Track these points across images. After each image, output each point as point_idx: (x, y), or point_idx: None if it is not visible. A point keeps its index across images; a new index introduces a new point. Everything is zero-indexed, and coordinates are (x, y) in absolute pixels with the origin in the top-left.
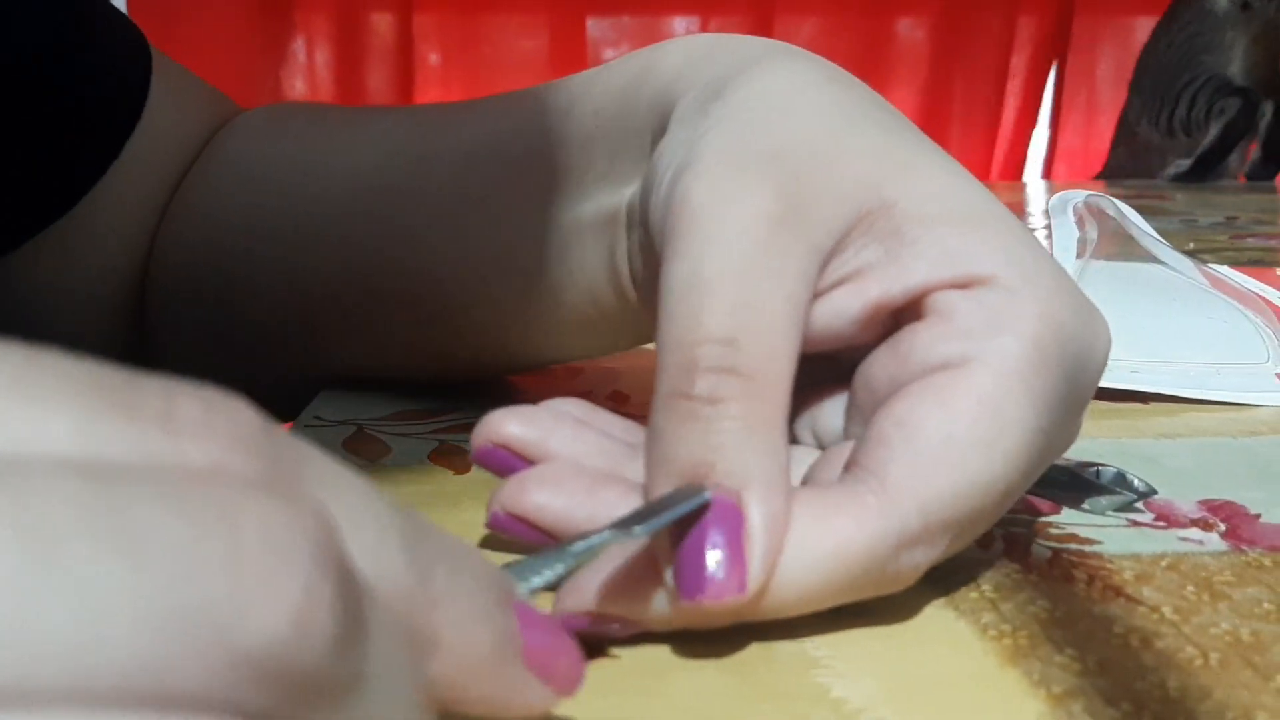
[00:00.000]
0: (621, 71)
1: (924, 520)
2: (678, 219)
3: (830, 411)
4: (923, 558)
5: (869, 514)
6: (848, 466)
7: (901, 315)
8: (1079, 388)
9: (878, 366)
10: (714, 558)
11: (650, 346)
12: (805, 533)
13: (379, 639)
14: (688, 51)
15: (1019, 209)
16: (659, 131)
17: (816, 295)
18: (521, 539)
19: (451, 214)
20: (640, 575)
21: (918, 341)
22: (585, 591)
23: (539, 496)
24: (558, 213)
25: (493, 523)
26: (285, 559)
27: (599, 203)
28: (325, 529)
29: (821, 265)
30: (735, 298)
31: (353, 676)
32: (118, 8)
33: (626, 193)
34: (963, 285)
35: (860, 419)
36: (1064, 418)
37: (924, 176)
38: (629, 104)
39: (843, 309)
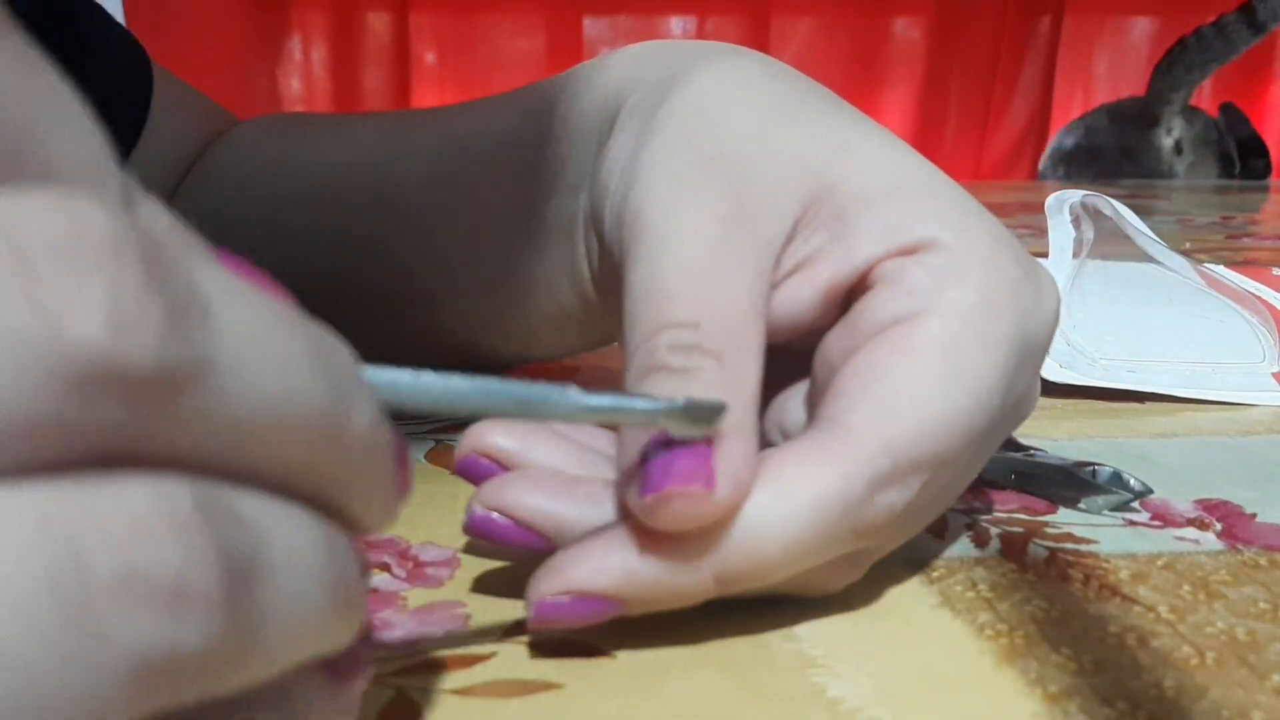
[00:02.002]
0: (577, 77)
1: (892, 459)
2: (632, 232)
3: (795, 407)
4: (897, 498)
5: (837, 458)
6: (812, 422)
7: (854, 294)
8: (1030, 338)
9: (833, 342)
10: (681, 462)
11: None
12: (778, 483)
13: (226, 305)
14: (634, 56)
15: (1014, 210)
16: (605, 136)
17: (773, 287)
18: (499, 539)
19: (418, 213)
20: (615, 551)
21: (867, 307)
22: (561, 572)
23: (518, 492)
24: (519, 214)
25: (471, 523)
26: (80, 260)
27: (559, 206)
28: (111, 210)
29: (776, 258)
30: (696, 294)
31: (200, 350)
32: (121, 24)
33: (582, 197)
34: (907, 252)
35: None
36: (1019, 366)
37: (862, 155)
38: (581, 109)
39: (798, 297)
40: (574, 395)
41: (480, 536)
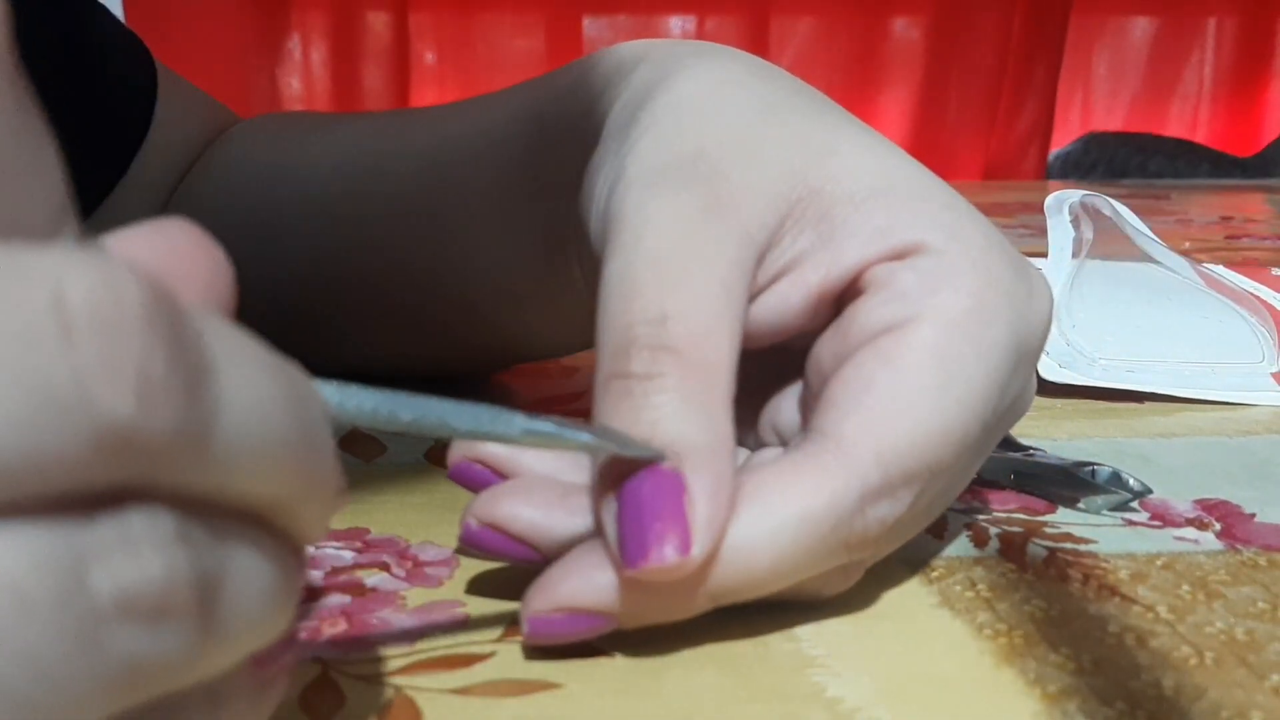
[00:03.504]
0: (564, 79)
1: (883, 472)
2: (611, 229)
3: (789, 407)
4: (888, 511)
5: (828, 472)
6: (804, 433)
7: (844, 297)
8: (1024, 340)
9: (824, 347)
10: (654, 522)
11: None
12: (768, 499)
13: (228, 364)
14: (618, 59)
15: (1012, 211)
16: (593, 141)
17: (760, 291)
18: (493, 551)
19: (415, 212)
20: (606, 567)
21: (858, 313)
22: (552, 589)
23: (511, 505)
24: (513, 216)
25: (465, 536)
26: (116, 331)
27: (552, 209)
28: (145, 287)
29: (758, 255)
30: (665, 278)
31: (209, 415)
32: (124, 24)
33: (572, 203)
34: (897, 256)
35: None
36: (1013, 371)
37: (847, 157)
38: (569, 115)
39: (786, 301)
40: (519, 420)
41: (475, 549)
